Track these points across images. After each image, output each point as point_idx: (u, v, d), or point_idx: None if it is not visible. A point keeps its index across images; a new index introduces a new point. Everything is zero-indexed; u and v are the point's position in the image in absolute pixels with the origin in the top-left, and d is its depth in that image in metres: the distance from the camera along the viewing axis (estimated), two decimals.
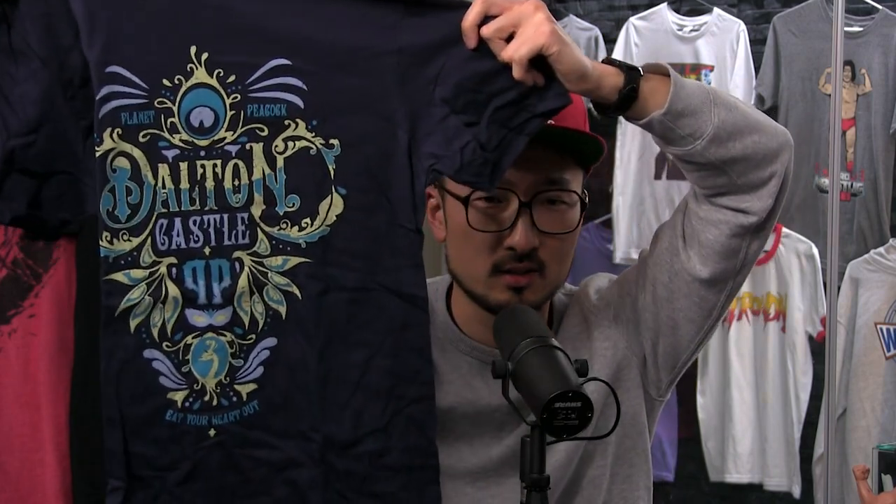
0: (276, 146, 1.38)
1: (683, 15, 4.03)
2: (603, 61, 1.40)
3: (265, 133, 1.38)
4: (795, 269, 3.71)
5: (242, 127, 1.38)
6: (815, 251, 3.65)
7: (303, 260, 1.39)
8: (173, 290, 1.40)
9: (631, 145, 3.95)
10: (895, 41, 3.68)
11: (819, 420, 3.49)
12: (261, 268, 1.40)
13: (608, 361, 1.55)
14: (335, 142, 1.38)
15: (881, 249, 3.42)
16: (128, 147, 1.38)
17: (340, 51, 1.37)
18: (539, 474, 1.28)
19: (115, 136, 1.37)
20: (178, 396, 1.40)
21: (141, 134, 1.37)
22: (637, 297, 1.55)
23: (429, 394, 1.42)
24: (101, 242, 1.38)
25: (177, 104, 1.38)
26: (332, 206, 1.39)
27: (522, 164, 1.43)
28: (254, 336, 1.40)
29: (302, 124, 1.38)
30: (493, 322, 1.53)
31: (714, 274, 1.48)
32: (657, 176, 3.94)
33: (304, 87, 1.38)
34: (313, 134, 1.38)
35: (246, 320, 1.40)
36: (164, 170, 1.38)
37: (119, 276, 1.39)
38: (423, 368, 1.42)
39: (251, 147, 1.38)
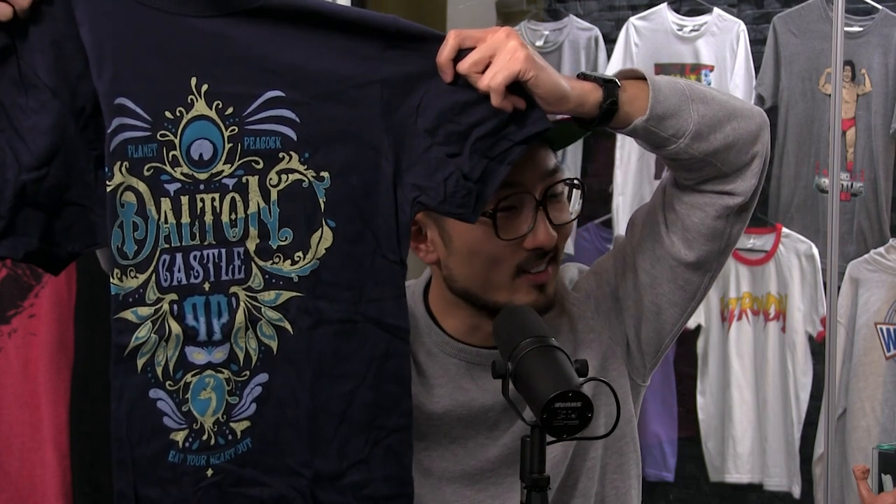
0: (271, 179, 1.38)
1: (683, 15, 4.03)
2: (577, 76, 1.40)
3: (260, 166, 1.38)
4: (795, 269, 3.71)
5: (239, 160, 1.37)
6: (815, 251, 3.65)
7: (294, 294, 1.39)
8: (175, 327, 1.39)
9: (631, 145, 3.95)
10: (895, 41, 3.68)
11: (819, 420, 3.49)
12: (255, 303, 1.39)
13: (594, 353, 1.55)
14: (325, 174, 1.38)
15: (881, 249, 3.42)
16: (134, 181, 1.37)
17: (328, 81, 1.37)
18: (539, 474, 1.28)
19: (123, 169, 1.36)
20: (180, 437, 1.40)
21: (145, 167, 1.37)
22: (617, 285, 1.55)
23: (407, 424, 1.42)
24: (111, 280, 1.37)
25: (178, 137, 1.37)
26: (323, 239, 1.39)
27: (528, 164, 1.43)
28: (248, 372, 1.40)
29: (295, 157, 1.38)
30: (477, 323, 1.53)
31: (699, 257, 1.49)
32: (657, 176, 3.94)
33: (297, 118, 1.37)
34: (305, 166, 1.38)
35: (241, 356, 1.39)
36: (166, 204, 1.37)
37: (128, 315, 1.38)
38: (403, 398, 1.42)
39: (247, 180, 1.37)
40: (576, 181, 1.54)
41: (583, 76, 1.40)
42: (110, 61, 1.35)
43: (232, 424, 1.40)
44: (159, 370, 1.39)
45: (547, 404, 1.22)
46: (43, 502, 1.58)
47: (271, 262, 1.39)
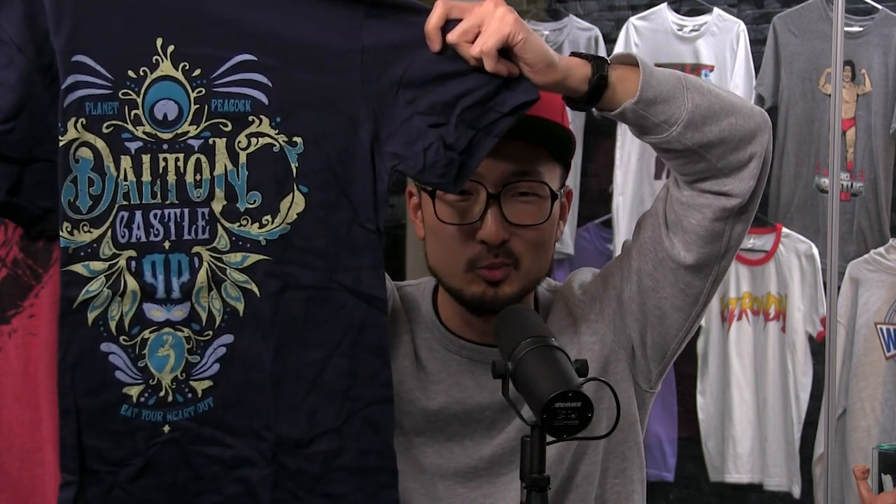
0: (239, 142, 1.38)
1: (683, 15, 4.03)
2: (572, 52, 1.41)
3: (228, 128, 1.38)
4: (795, 269, 3.71)
5: (206, 121, 1.38)
6: (815, 251, 3.66)
7: (262, 257, 1.39)
8: (132, 283, 1.39)
9: (631, 145, 3.95)
10: (895, 41, 3.68)
11: (819, 420, 3.49)
12: (219, 264, 1.39)
13: (596, 356, 1.54)
14: (298, 139, 1.38)
15: (881, 249, 3.42)
16: (91, 138, 1.37)
17: (305, 47, 1.37)
18: (539, 474, 1.27)
19: (79, 126, 1.37)
20: (134, 391, 1.40)
21: (104, 125, 1.37)
22: (622, 288, 1.54)
23: (386, 396, 1.41)
24: (61, 233, 1.38)
25: (141, 96, 1.37)
26: (294, 204, 1.39)
27: (492, 156, 1.42)
28: (211, 332, 1.40)
29: (266, 121, 1.38)
30: (479, 319, 1.53)
31: (699, 259, 1.48)
32: (657, 176, 3.94)
33: (269, 83, 1.37)
34: (277, 131, 1.38)
35: (203, 316, 1.40)
36: (126, 162, 1.38)
37: (78, 268, 1.38)
38: (381, 370, 1.41)
39: (214, 142, 1.38)
40: (548, 187, 1.52)
41: (574, 54, 1.41)
42: (70, 18, 1.36)
43: (192, 383, 1.40)
44: (113, 325, 1.39)
45: (547, 404, 1.21)
46: (43, 502, 1.58)
47: (238, 224, 1.39)
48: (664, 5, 4.02)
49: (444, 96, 1.37)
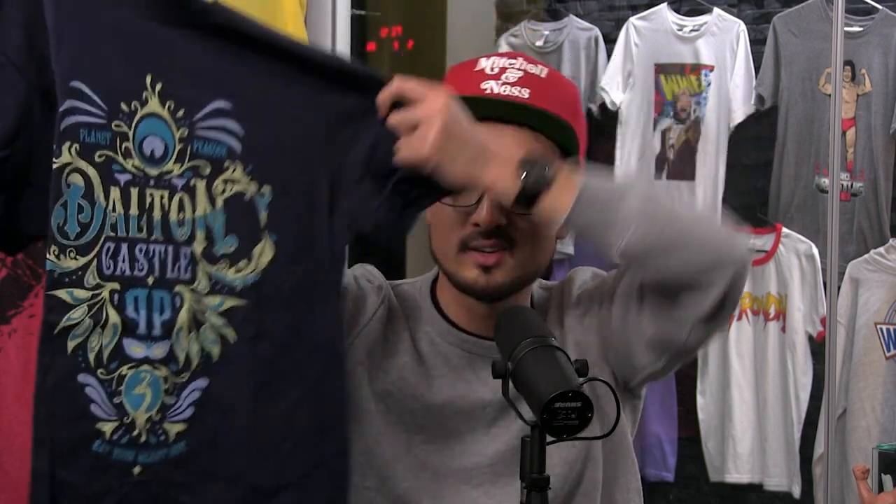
0: (216, 186, 1.39)
1: (683, 15, 4.03)
2: (519, 162, 1.39)
3: (208, 171, 1.39)
4: (795, 269, 3.71)
5: (189, 162, 1.39)
6: (815, 251, 3.66)
7: (238, 302, 1.39)
8: (114, 316, 1.38)
9: (631, 145, 3.95)
10: (895, 41, 3.68)
11: (819, 420, 3.50)
12: (199, 305, 1.39)
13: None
14: (267, 188, 1.39)
15: (881, 249, 3.42)
16: (83, 164, 1.38)
17: (274, 100, 1.39)
18: (539, 474, 1.27)
19: (72, 151, 1.37)
20: (108, 428, 1.38)
21: (97, 154, 1.38)
22: (602, 307, 1.54)
23: (345, 449, 1.41)
24: (48, 256, 1.38)
25: (132, 130, 1.38)
26: (264, 252, 1.39)
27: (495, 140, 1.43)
28: (187, 374, 1.39)
29: (239, 168, 1.39)
30: (480, 310, 1.53)
31: (655, 338, 1.47)
32: (657, 176, 3.94)
33: (242, 132, 1.39)
34: (249, 178, 1.39)
35: (181, 357, 1.39)
36: (115, 193, 1.38)
37: (62, 294, 1.38)
38: (343, 420, 1.41)
39: (195, 183, 1.39)
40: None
41: (524, 161, 1.39)
42: (71, 44, 1.37)
43: (166, 425, 1.39)
44: (92, 356, 1.38)
45: (547, 404, 1.21)
46: None
47: (216, 267, 1.39)
48: (664, 5, 4.02)
49: (386, 164, 1.39)
